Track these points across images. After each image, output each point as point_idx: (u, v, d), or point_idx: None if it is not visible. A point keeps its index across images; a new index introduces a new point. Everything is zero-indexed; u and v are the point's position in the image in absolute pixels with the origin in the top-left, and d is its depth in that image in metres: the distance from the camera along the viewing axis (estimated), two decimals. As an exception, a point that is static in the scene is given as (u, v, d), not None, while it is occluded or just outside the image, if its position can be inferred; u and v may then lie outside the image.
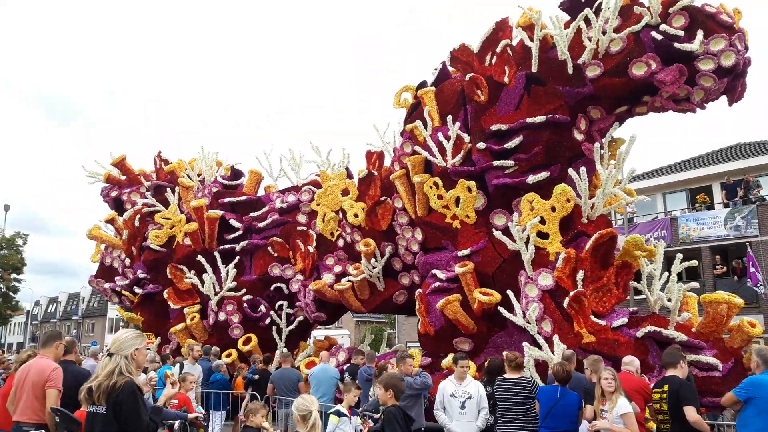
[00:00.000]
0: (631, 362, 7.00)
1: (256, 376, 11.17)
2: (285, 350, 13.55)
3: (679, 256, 10.37)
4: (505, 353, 7.28)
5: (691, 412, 5.67)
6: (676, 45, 9.24)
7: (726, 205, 21.50)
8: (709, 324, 9.48)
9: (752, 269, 18.51)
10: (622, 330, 9.32)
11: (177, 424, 5.81)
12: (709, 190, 23.34)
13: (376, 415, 7.50)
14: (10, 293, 38.48)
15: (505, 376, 6.91)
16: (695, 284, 10.49)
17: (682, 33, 9.35)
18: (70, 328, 66.45)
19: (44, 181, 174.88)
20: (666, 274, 10.25)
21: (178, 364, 10.74)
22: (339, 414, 6.92)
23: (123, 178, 17.08)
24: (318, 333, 22.41)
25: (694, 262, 10.58)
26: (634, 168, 9.78)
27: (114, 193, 16.86)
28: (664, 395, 5.96)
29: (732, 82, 9.70)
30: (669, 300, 9.64)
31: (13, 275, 37.56)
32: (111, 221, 16.72)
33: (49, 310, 76.41)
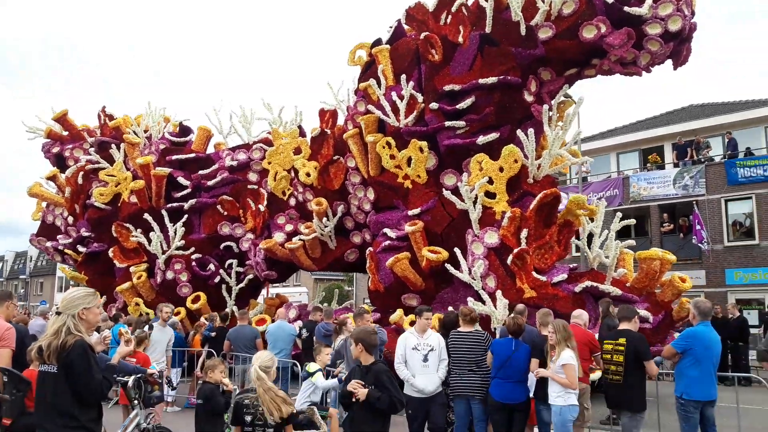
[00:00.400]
0: (579, 315, 7.18)
1: (213, 334, 11.13)
2: (236, 308, 13.54)
3: (618, 214, 10.84)
4: (460, 308, 7.33)
5: (651, 366, 6.06)
6: (626, 9, 9.46)
7: (676, 165, 21.86)
8: (643, 279, 10.01)
9: (698, 227, 19.18)
10: (562, 285, 9.73)
11: (131, 380, 5.65)
12: (660, 150, 23.65)
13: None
14: None
15: (459, 329, 6.96)
16: (632, 242, 10.99)
17: (631, -3, 9.59)
18: (18, 287, 64.18)
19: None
20: (606, 231, 10.71)
21: (147, 326, 10.62)
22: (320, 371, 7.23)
23: (65, 133, 16.40)
24: (275, 291, 22.42)
25: (632, 221, 11.00)
26: (580, 130, 10.05)
27: (56, 149, 16.21)
28: (620, 347, 6.16)
29: (677, 47, 10.04)
30: (606, 257, 10.05)
31: None
32: (53, 178, 16.10)
33: (15, 267, 73.44)
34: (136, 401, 5.69)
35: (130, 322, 11.36)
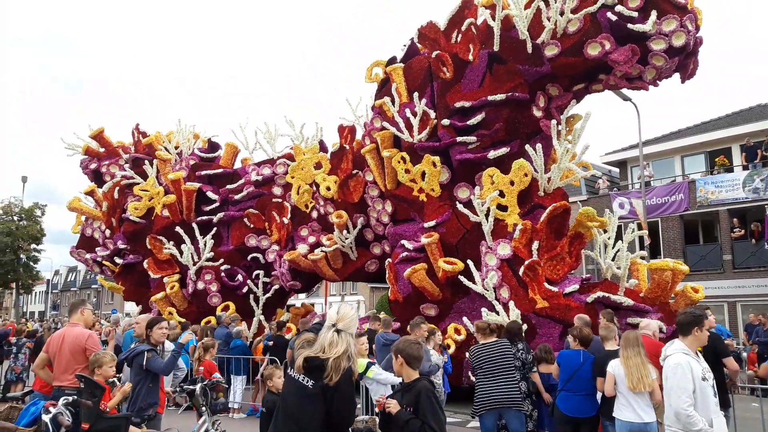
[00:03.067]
0: (647, 325, 6.87)
1: (270, 342, 11.32)
2: (263, 318, 14.13)
3: (632, 226, 11.00)
4: (475, 323, 7.30)
5: (732, 362, 6.16)
6: (630, 26, 9.65)
7: (745, 168, 20.96)
8: (655, 289, 10.14)
9: None
10: (574, 296, 9.97)
11: (198, 388, 5.93)
12: (728, 152, 22.57)
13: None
14: (31, 263, 39.09)
15: (480, 342, 6.84)
16: (644, 252, 11.12)
17: (635, 14, 9.73)
18: (90, 296, 66.76)
19: (58, 152, 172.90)
20: (620, 243, 10.86)
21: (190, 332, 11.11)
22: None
23: (102, 150, 17.28)
24: (332, 300, 23.04)
25: (644, 232, 11.14)
26: (588, 144, 10.26)
27: (93, 166, 17.06)
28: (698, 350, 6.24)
29: (684, 61, 10.17)
30: (618, 268, 10.24)
31: (33, 245, 38.10)
32: (90, 193, 16.98)
33: (68, 279, 76.68)
34: (204, 408, 6.01)
35: (195, 330, 12.00)
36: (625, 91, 11.48)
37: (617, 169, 26.69)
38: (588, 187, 26.30)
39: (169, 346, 6.54)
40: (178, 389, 6.40)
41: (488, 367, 6.53)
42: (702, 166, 23.49)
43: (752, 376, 7.17)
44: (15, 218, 37.42)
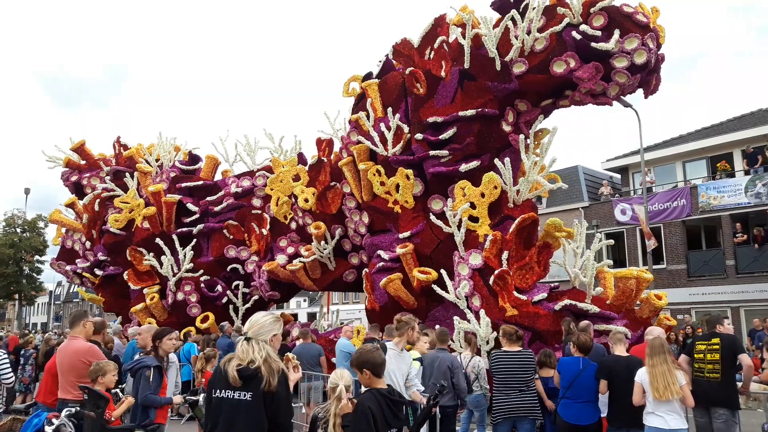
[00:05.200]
0: (650, 332, 6.87)
1: None
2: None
3: (599, 234, 11.40)
4: (502, 327, 6.98)
5: (746, 358, 6.35)
6: (594, 44, 10.07)
7: (747, 173, 20.90)
8: (620, 297, 10.52)
9: None
10: (542, 304, 10.30)
11: (200, 399, 5.80)
12: (729, 157, 22.51)
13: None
14: (34, 274, 39.14)
15: (503, 348, 6.68)
16: (609, 261, 11.52)
17: (599, 33, 10.14)
18: (93, 307, 66.24)
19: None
20: (588, 252, 11.24)
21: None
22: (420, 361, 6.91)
23: (83, 162, 17.40)
24: (335, 308, 23.13)
25: (611, 242, 11.52)
26: (555, 157, 10.65)
27: (74, 178, 17.19)
28: (714, 346, 6.34)
29: (646, 77, 10.60)
30: (584, 276, 10.61)
31: (36, 257, 38.14)
32: (71, 205, 17.09)
33: (71, 290, 75.65)
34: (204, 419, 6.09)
35: (197, 340, 12.10)
36: (628, 97, 11.59)
37: (619, 176, 26.80)
38: (590, 193, 26.39)
39: (173, 357, 6.50)
40: (181, 400, 6.41)
41: (508, 377, 6.47)
42: (703, 172, 23.41)
43: (756, 381, 7.39)
44: (18, 230, 37.59)
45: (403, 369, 6.07)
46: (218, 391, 3.35)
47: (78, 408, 4.93)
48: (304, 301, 60.59)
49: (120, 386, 6.03)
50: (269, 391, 3.23)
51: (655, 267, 20.09)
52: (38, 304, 67.40)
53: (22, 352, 12.51)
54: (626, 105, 17.15)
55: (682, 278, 22.17)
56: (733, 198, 20.78)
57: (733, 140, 22.46)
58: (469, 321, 10.35)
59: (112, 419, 5.17)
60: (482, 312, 10.28)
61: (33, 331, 33.80)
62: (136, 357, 6.17)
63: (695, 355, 6.55)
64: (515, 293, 10.28)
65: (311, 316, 55.37)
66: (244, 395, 3.25)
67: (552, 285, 11.14)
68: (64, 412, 4.84)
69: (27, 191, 36.28)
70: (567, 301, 10.20)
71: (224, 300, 14.94)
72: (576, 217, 24.67)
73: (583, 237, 11.50)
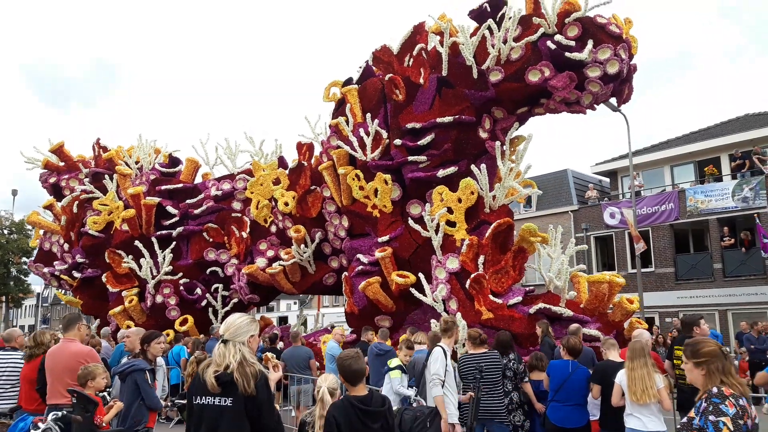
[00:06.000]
0: (640, 335, 6.83)
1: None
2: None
3: (572, 240, 11.65)
4: (468, 331, 7.08)
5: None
6: (568, 54, 10.31)
7: (734, 177, 21.16)
8: (593, 301, 10.76)
9: (765, 240, 18.52)
10: (517, 307, 10.51)
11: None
12: (717, 161, 22.76)
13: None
14: (21, 276, 38.75)
15: (469, 351, 6.80)
16: (583, 266, 11.77)
17: (573, 43, 10.38)
18: (68, 309, 65.35)
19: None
20: (562, 256, 11.48)
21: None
22: (401, 369, 6.98)
23: (61, 164, 17.30)
24: (324, 312, 23.12)
25: (584, 247, 11.81)
26: (530, 164, 10.90)
27: (52, 180, 17.08)
28: None
29: (618, 87, 10.88)
30: (559, 280, 10.85)
31: (24, 259, 37.43)
32: (49, 207, 16.98)
33: None
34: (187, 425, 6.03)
35: (187, 342, 12.07)
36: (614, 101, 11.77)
37: (608, 179, 27.09)
38: (579, 197, 26.70)
39: (160, 361, 6.46)
40: (169, 403, 6.35)
41: (474, 379, 6.55)
42: (691, 176, 23.75)
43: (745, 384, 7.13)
44: (5, 231, 37.19)
45: (432, 368, 6.18)
46: (199, 398, 3.33)
47: (65, 411, 4.87)
48: (294, 303, 60.49)
49: (107, 389, 5.94)
50: (249, 395, 3.22)
51: (643, 270, 20.26)
52: (25, 306, 66.85)
53: None
54: (615, 109, 17.04)
55: (670, 281, 22.50)
56: (720, 202, 21.06)
57: (721, 145, 22.78)
58: (445, 324, 10.51)
59: (104, 424, 5.09)
60: (459, 315, 10.47)
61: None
62: (124, 360, 6.14)
63: (674, 361, 6.53)
64: (491, 297, 10.48)
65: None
66: (225, 401, 3.25)
67: (527, 289, 11.37)
68: (50, 416, 4.78)
69: (14, 192, 35.89)
70: (541, 305, 10.41)
71: (203, 303, 14.96)
72: (566, 220, 25.28)
73: (558, 242, 11.75)
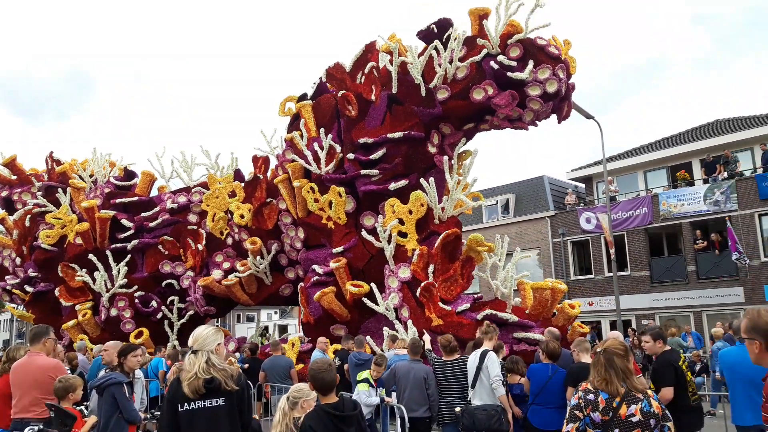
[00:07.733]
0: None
1: (246, 365, 11.11)
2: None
3: (518, 249, 12.24)
4: (439, 339, 7.40)
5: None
6: (510, 74, 10.94)
7: (706, 181, 21.67)
8: (537, 306, 11.33)
9: (736, 243, 18.95)
10: (466, 314, 11.01)
11: None
12: (689, 166, 23.40)
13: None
14: None
15: (442, 358, 7.19)
16: (527, 273, 12.38)
17: (515, 63, 11.02)
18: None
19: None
20: (509, 265, 12.05)
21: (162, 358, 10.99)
22: (368, 383, 7.41)
23: (14, 177, 17.08)
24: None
25: (528, 256, 12.39)
26: (476, 177, 11.46)
27: (4, 193, 16.83)
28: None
29: (558, 105, 11.57)
30: (505, 288, 11.40)
31: None
32: (1, 221, 16.73)
33: None
34: None
35: (169, 356, 12.01)
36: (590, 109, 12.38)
37: (583, 185, 27.65)
38: (556, 202, 27.23)
39: (138, 374, 6.44)
40: (149, 416, 6.37)
41: (447, 385, 6.98)
42: (664, 181, 24.30)
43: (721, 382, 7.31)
44: None
45: (493, 370, 6.53)
46: (187, 404, 3.42)
47: (41, 426, 4.83)
48: (275, 313, 59.80)
49: (84, 403, 5.90)
50: (237, 392, 3.47)
51: (619, 274, 20.65)
52: (0, 321, 64.46)
53: None
54: (588, 116, 17.42)
55: (645, 284, 23.06)
56: (692, 206, 21.67)
57: (692, 150, 23.46)
58: (398, 331, 10.93)
59: None
60: (410, 322, 10.90)
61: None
62: (101, 373, 6.07)
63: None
64: (441, 304, 10.95)
65: (282, 329, 54.71)
66: (217, 401, 3.42)
67: (475, 296, 11.89)
68: (26, 431, 4.73)
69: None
70: (488, 311, 10.90)
71: (159, 315, 14.97)
72: (543, 226, 25.94)
73: (505, 250, 12.33)
